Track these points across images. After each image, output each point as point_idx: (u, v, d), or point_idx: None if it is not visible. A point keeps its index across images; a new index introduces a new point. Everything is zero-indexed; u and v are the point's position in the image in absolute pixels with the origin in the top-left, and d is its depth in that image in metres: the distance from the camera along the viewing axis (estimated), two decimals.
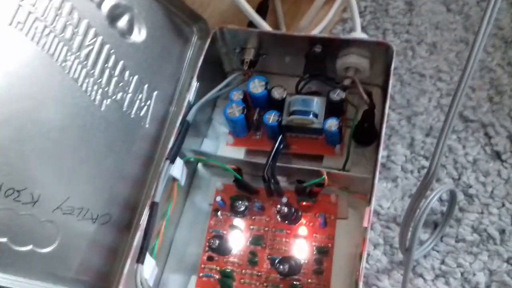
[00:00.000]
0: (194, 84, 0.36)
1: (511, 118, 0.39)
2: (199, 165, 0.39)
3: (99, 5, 0.32)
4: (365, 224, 0.30)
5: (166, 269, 0.35)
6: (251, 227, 0.35)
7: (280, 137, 0.35)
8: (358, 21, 0.40)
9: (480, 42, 0.23)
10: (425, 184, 0.26)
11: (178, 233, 0.36)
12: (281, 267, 0.31)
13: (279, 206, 0.33)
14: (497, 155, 0.38)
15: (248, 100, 0.38)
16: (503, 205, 0.36)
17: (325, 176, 0.33)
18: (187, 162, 0.36)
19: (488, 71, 0.41)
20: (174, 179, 0.34)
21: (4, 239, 0.27)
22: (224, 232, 0.35)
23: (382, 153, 0.38)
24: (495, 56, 0.42)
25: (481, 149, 0.38)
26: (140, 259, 0.30)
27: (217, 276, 0.33)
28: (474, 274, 0.34)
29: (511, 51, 0.42)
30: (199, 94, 0.37)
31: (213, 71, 0.39)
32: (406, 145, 0.38)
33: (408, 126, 0.39)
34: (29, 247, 0.28)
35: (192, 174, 0.38)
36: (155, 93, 0.36)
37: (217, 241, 0.32)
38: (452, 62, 0.42)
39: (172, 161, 0.33)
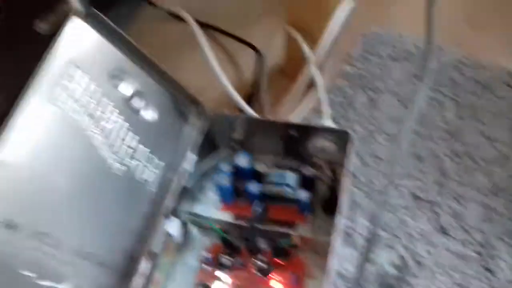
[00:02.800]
0: (192, 157, 0.43)
1: (454, 199, 0.47)
2: (192, 226, 0.44)
3: (121, 91, 0.40)
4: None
5: None
6: (233, 280, 0.40)
7: (260, 204, 0.41)
8: (327, 112, 0.49)
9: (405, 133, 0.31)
10: (368, 246, 0.33)
11: (170, 285, 0.41)
12: None
13: (256, 261, 0.39)
14: (443, 230, 0.45)
15: (235, 173, 0.45)
16: (448, 273, 0.42)
17: (295, 238, 0.39)
18: (182, 222, 0.42)
19: (436, 158, 0.50)
20: (170, 235, 0.40)
21: (29, 274, 0.32)
22: (210, 284, 0.40)
23: (346, 223, 0.45)
24: (441, 146, 0.50)
25: (430, 224, 0.45)
26: None
27: None
28: None
29: (455, 142, 0.51)
30: (196, 165, 0.44)
31: (208, 147, 0.46)
32: (366, 217, 0.45)
33: (369, 201, 0.46)
34: (49, 283, 0.33)
35: (185, 233, 0.44)
36: (159, 163, 0.43)
37: None
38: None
39: (169, 219, 0.39)
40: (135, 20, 0.60)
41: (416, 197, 0.47)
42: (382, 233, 0.44)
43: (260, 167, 0.44)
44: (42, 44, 0.46)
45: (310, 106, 0.53)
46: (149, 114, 0.43)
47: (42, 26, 0.47)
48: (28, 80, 0.35)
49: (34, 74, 0.35)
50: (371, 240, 0.33)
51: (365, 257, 0.34)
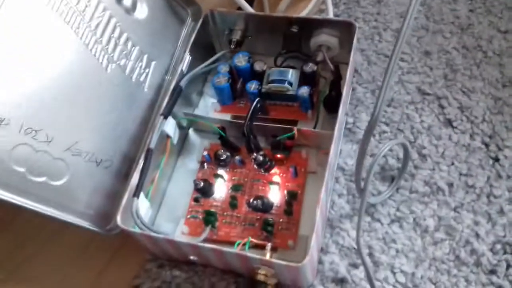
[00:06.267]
0: (187, 57, 0.42)
1: (462, 92, 0.45)
2: (190, 130, 0.44)
3: None
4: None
5: (159, 215, 0.40)
6: (233, 177, 0.40)
7: (258, 98, 0.40)
8: (330, 8, 0.46)
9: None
10: (370, 125, 0.32)
11: (170, 187, 0.42)
12: (254, 202, 0.36)
13: (255, 154, 0.38)
14: (449, 122, 0.43)
15: (234, 73, 0.44)
16: (453, 163, 0.41)
17: (295, 130, 0.39)
18: (180, 125, 0.42)
19: (445, 53, 0.47)
20: (167, 136, 0.40)
21: (22, 169, 0.33)
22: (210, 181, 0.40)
23: (348, 119, 0.44)
24: (451, 40, 0.48)
25: (435, 118, 0.44)
26: (135, 194, 0.36)
27: (201, 217, 0.39)
28: (425, 219, 0.39)
29: (465, 36, 0.48)
30: (192, 69, 0.43)
31: (204, 51, 0.45)
32: (369, 114, 0.44)
33: (372, 98, 0.45)
34: (43, 179, 0.34)
35: (184, 138, 0.44)
36: (153, 63, 0.42)
37: (202, 183, 0.38)
38: (413, 46, 0.48)
39: (166, 117, 0.39)
40: None
41: (422, 92, 0.45)
42: (385, 128, 0.43)
43: (259, 66, 0.43)
44: None
45: (315, 8, 0.51)
46: (141, 12, 0.41)
47: None
48: None
49: None
50: (370, 129, 0.31)
51: (363, 147, 0.33)
